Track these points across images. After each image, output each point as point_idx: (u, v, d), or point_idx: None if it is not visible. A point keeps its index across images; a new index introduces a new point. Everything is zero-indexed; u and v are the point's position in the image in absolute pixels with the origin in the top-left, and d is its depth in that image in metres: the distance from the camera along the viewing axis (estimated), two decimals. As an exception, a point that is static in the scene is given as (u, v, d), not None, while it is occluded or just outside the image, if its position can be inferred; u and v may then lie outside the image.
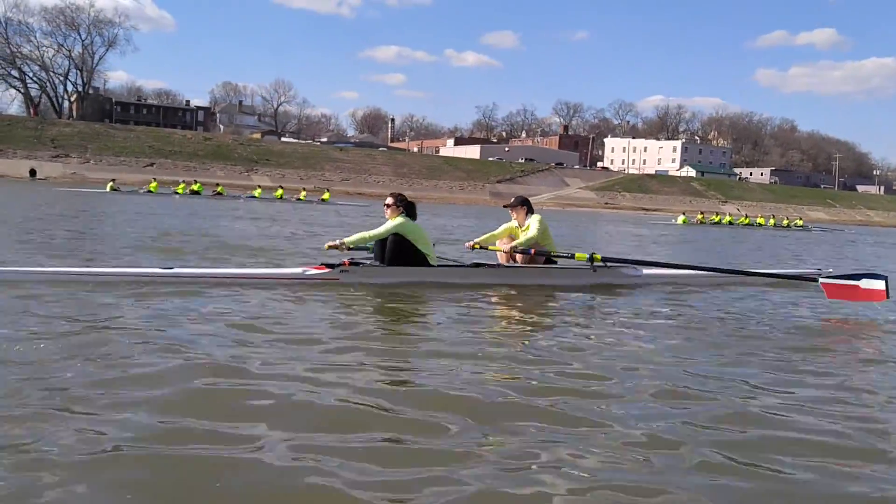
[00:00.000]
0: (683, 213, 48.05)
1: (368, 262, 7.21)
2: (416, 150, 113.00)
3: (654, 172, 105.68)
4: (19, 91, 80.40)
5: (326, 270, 6.92)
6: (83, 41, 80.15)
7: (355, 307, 5.98)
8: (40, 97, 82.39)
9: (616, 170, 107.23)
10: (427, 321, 5.67)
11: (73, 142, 65.53)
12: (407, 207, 7.55)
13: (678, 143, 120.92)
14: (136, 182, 55.90)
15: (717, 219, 47.39)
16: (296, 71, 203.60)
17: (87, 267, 7.13)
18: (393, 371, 3.92)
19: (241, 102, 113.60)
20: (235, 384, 3.47)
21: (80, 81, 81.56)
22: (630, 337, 5.24)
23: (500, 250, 8.02)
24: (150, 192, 36.02)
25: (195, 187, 38.14)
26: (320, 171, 73.92)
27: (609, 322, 5.89)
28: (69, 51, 79.45)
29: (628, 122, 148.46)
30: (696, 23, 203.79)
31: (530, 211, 8.26)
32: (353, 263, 7.05)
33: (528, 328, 5.60)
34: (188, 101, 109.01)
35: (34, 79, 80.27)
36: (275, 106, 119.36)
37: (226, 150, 73.94)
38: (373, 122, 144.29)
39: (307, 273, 6.92)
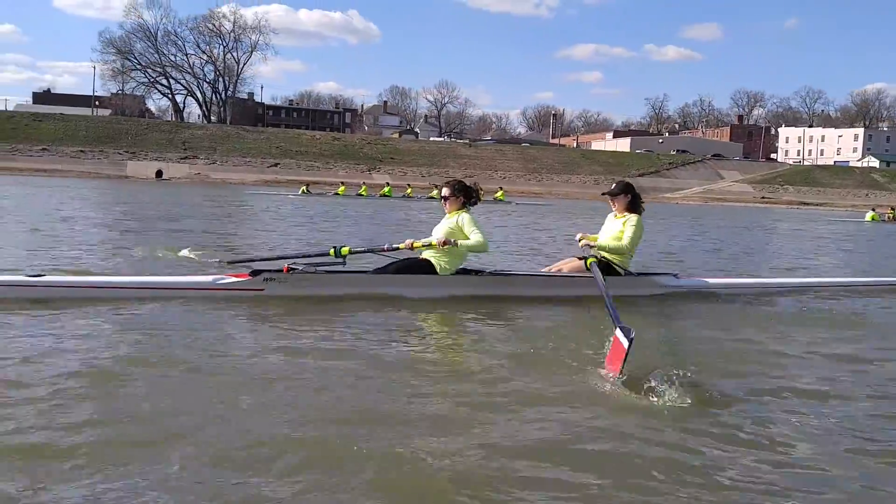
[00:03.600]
0: (874, 209, 37.24)
1: (314, 268, 5.81)
2: (575, 145, 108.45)
3: (832, 164, 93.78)
4: (167, 97, 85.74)
5: (247, 279, 5.57)
6: (225, 48, 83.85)
7: (272, 334, 4.62)
8: (184, 102, 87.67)
9: (791, 161, 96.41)
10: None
11: (204, 144, 68.15)
12: (467, 196, 6.31)
13: (860, 131, 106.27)
14: (255, 182, 57.46)
15: None
16: (493, 73, 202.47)
17: None
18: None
19: (385, 103, 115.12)
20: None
21: (223, 87, 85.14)
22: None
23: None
24: (336, 194, 36.84)
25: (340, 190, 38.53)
26: (444, 168, 71.83)
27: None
28: (214, 58, 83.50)
29: (823, 110, 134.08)
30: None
31: (634, 204, 6.57)
32: (293, 269, 5.68)
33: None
34: (337, 104, 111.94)
35: (183, 85, 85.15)
36: (438, 107, 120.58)
37: (352, 150, 74.02)
38: (546, 120, 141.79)
39: (220, 282, 5.56)
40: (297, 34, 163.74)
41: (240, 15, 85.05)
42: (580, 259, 6.43)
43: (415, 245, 6.17)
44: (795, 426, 3.22)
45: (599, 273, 5.61)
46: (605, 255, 6.42)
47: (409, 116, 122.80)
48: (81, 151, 61.30)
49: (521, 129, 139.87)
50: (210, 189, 40.98)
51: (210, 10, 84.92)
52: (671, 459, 2.78)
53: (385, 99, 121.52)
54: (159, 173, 59.30)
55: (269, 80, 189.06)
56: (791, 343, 4.98)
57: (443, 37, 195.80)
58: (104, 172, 56.78)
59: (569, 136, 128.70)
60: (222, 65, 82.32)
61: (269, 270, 5.65)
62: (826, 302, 6.86)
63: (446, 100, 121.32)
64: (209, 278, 5.62)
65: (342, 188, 38.86)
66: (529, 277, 6.39)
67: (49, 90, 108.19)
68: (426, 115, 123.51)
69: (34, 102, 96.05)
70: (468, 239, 6.13)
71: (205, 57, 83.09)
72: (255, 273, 5.59)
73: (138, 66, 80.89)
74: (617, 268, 6.43)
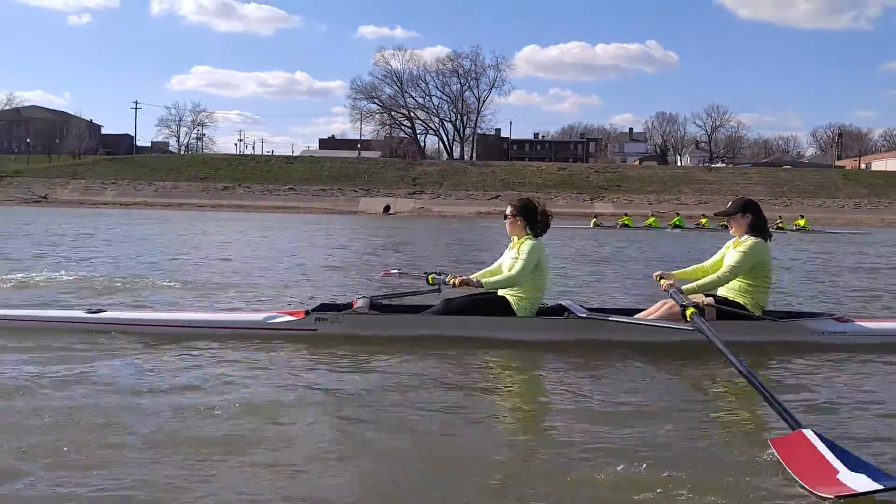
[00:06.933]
0: None
1: (374, 310, 5.34)
2: (860, 166, 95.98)
3: None
4: (410, 137, 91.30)
5: (300, 318, 5.24)
6: (464, 87, 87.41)
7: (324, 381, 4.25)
8: (425, 140, 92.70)
9: None
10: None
11: (432, 179, 71.74)
12: (529, 220, 5.35)
13: None
14: (469, 214, 59.36)
15: None
16: (804, 93, 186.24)
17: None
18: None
19: (631, 130, 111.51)
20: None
21: (461, 125, 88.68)
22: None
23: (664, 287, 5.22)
24: (626, 225, 36.62)
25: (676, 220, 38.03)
26: (675, 195, 67.86)
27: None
28: (454, 98, 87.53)
29: None
30: None
31: (757, 226, 5.18)
32: (354, 311, 5.29)
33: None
34: (582, 135, 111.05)
35: (426, 125, 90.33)
36: (708, 132, 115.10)
37: (576, 179, 72.90)
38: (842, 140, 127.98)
39: (271, 321, 5.29)
40: (594, 69, 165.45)
41: (479, 55, 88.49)
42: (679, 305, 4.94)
43: (455, 282, 5.33)
44: None
45: (708, 327, 4.30)
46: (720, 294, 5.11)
47: (678, 143, 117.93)
48: (322, 189, 67.93)
49: (812, 151, 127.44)
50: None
51: (453, 50, 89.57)
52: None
53: (649, 126, 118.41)
54: (387, 208, 63.40)
55: (567, 115, 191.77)
56: None
57: (747, 60, 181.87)
58: (339, 208, 62.27)
59: (865, 156, 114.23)
60: (461, 103, 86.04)
61: (324, 309, 5.35)
62: None
63: (717, 123, 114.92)
64: (260, 316, 5.35)
65: (652, 219, 37.55)
66: (629, 324, 5.11)
67: (333, 136, 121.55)
68: (697, 141, 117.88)
69: (320, 147, 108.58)
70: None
71: (446, 97, 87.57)
72: (309, 312, 5.26)
73: (384, 109, 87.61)
74: (747, 309, 4.98)
